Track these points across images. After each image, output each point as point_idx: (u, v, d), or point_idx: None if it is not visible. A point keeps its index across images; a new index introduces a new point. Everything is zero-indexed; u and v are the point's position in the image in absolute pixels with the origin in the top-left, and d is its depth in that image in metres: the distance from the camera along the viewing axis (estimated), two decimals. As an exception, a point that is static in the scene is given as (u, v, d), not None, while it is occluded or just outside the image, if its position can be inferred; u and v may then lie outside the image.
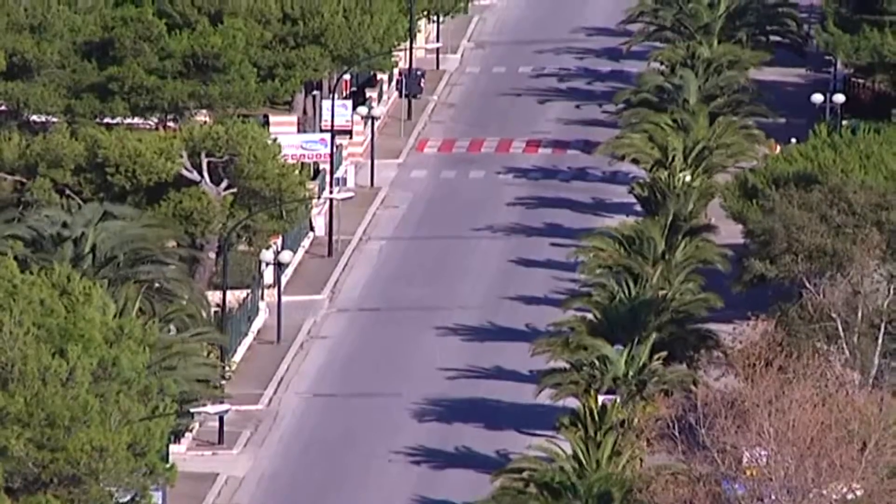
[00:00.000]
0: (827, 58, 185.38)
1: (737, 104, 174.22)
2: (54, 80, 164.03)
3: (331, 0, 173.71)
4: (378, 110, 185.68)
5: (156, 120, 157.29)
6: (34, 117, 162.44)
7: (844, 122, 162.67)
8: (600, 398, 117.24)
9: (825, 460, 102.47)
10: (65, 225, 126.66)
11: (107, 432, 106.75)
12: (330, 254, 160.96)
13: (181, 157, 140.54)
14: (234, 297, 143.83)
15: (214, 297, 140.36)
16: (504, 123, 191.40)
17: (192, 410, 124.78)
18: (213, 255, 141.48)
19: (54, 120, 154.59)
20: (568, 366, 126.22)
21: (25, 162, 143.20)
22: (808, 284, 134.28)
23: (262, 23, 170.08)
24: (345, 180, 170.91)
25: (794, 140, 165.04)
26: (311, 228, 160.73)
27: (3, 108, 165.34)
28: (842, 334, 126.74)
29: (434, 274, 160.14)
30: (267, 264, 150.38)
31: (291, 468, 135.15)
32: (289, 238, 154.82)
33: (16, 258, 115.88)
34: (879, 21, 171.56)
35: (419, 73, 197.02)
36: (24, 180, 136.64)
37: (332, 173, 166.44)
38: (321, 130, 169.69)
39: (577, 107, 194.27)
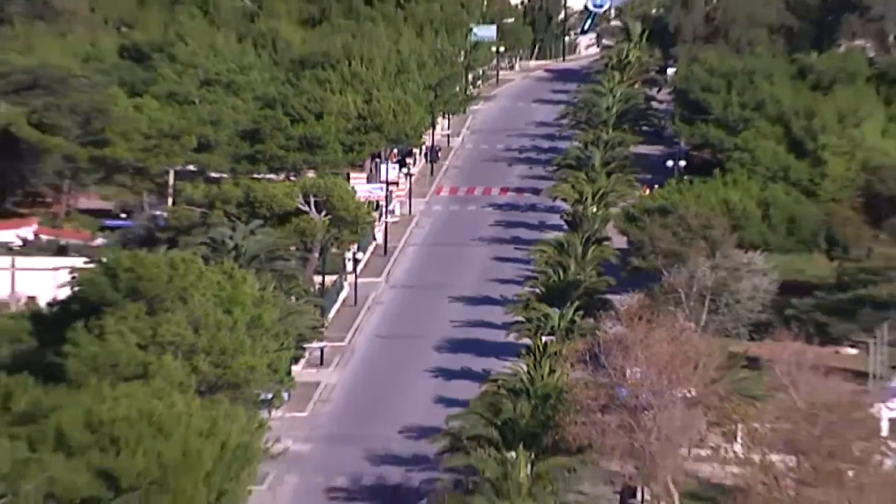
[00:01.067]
0: (675, 140, 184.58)
1: (622, 167, 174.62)
2: (224, 152, 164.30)
3: (385, 105, 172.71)
4: (413, 170, 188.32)
5: (283, 175, 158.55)
6: (212, 174, 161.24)
7: (685, 177, 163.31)
8: (544, 338, 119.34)
9: (674, 374, 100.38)
10: (230, 237, 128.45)
11: (255, 358, 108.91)
12: (385, 254, 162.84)
13: (298, 197, 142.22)
14: (329, 280, 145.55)
15: (317, 279, 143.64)
16: (487, 178, 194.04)
17: (304, 346, 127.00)
18: (316, 255, 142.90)
19: (224, 175, 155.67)
20: (525, 320, 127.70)
21: (207, 200, 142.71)
22: (664, 272, 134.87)
23: (346, 119, 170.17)
24: (393, 211, 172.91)
25: (656, 187, 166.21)
26: (374, 238, 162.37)
27: (194, 168, 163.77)
28: (683, 302, 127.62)
29: (445, 266, 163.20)
30: (348, 260, 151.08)
31: (362, 378, 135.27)
32: (361, 244, 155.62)
33: (202, 257, 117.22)
34: (705, 118, 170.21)
35: (437, 148, 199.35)
36: (207, 211, 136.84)
37: (386, 207, 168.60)
38: (380, 182, 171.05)
39: (530, 168, 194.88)
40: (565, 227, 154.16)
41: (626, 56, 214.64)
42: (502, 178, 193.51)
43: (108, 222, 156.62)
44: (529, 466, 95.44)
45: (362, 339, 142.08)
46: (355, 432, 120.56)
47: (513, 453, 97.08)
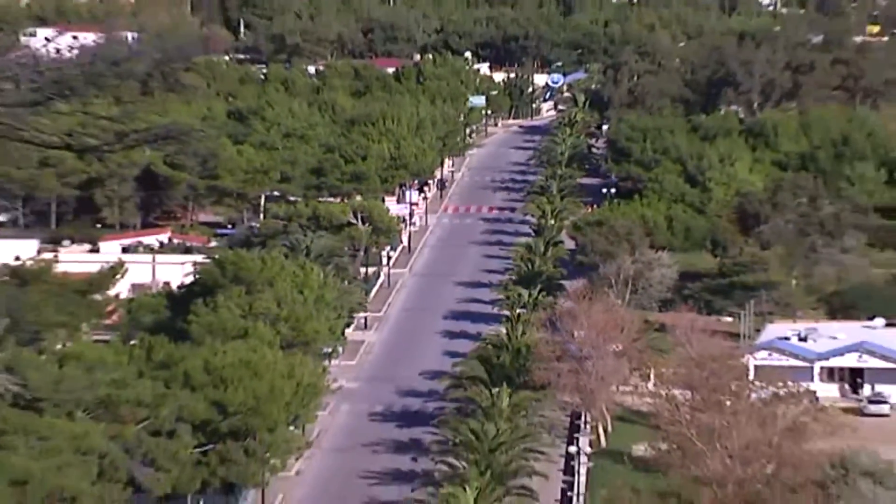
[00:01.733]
0: (608, 174, 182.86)
1: (571, 193, 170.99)
2: (298, 182, 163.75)
3: (408, 150, 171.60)
4: (428, 195, 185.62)
5: (339, 198, 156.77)
6: (290, 197, 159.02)
7: (614, 200, 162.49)
8: (518, 311, 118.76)
9: (607, 335, 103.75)
10: (302, 241, 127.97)
11: (319, 324, 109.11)
12: (409, 252, 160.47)
13: (349, 213, 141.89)
14: (370, 270, 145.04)
15: (362, 270, 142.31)
16: (479, 200, 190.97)
17: (353, 315, 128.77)
18: (361, 253, 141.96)
19: (298, 198, 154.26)
20: (505, 297, 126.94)
21: (287, 215, 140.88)
22: (600, 265, 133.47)
23: (382, 160, 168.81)
24: (415, 223, 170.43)
25: (594, 206, 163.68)
26: (401, 242, 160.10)
27: (278, 193, 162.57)
28: (613, 286, 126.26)
29: (450, 260, 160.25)
30: (384, 256, 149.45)
31: (393, 337, 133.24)
32: (392, 246, 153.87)
33: (283, 255, 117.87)
34: (628, 160, 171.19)
35: (444, 180, 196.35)
36: (286, 223, 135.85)
37: (409, 220, 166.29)
38: (405, 203, 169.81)
39: (508, 193, 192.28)
40: (532, 234, 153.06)
41: (574, 117, 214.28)
42: (489, 200, 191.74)
43: (219, 231, 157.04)
44: (508, 398, 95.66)
45: (393, 311, 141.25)
46: (388, 375, 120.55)
47: (497, 389, 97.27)
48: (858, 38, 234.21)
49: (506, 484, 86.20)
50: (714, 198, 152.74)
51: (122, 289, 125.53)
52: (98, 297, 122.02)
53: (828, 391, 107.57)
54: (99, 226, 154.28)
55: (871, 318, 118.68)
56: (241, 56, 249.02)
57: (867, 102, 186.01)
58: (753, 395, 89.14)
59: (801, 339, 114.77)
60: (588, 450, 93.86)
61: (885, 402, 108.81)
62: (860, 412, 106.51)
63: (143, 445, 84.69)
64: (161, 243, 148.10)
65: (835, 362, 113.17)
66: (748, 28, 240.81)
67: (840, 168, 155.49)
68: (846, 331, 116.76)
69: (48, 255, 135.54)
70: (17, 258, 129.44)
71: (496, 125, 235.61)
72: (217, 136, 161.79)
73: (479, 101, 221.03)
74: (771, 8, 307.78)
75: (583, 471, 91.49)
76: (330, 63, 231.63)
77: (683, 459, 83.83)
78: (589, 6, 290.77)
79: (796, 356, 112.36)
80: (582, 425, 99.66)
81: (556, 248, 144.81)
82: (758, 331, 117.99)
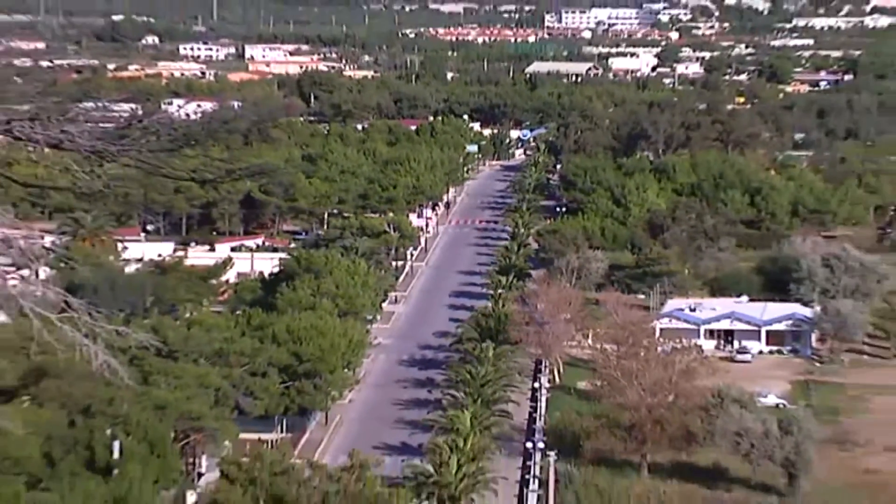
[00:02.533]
0: (560, 198, 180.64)
1: (536, 211, 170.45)
2: (350, 204, 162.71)
3: (425, 181, 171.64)
4: (438, 211, 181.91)
5: (378, 214, 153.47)
6: (344, 214, 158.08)
7: (565, 216, 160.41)
8: (499, 291, 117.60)
9: (559, 307, 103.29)
10: (352, 244, 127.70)
11: (364, 299, 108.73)
12: (425, 251, 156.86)
13: (385, 225, 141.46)
14: (399, 263, 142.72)
15: (394, 264, 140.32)
16: (472, 215, 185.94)
17: (387, 294, 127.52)
18: (393, 252, 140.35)
19: (350, 214, 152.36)
20: (491, 282, 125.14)
21: (342, 226, 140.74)
22: (555, 260, 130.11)
23: (407, 189, 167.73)
24: (429, 231, 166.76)
25: (552, 220, 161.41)
26: (420, 244, 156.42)
27: (336, 211, 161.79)
28: (564, 274, 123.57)
29: (454, 257, 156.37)
30: (408, 254, 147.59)
31: (415, 310, 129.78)
32: (414, 246, 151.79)
33: (339, 253, 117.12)
34: (574, 188, 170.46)
35: (448, 202, 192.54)
36: (342, 231, 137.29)
37: (426, 229, 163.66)
38: (423, 217, 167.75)
39: (493, 211, 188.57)
40: (509, 239, 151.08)
41: (538, 159, 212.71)
42: (480, 215, 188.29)
43: (297, 236, 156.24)
44: (493, 350, 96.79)
45: (414, 292, 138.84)
46: (411, 334, 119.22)
47: (485, 344, 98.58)
48: (730, 106, 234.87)
49: (491, 408, 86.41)
50: (632, 214, 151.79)
51: (230, 276, 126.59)
52: (214, 281, 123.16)
53: (709, 346, 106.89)
54: (215, 233, 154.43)
55: (739, 296, 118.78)
56: (311, 118, 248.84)
57: (736, 149, 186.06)
58: (659, 349, 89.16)
59: (691, 310, 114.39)
60: (547, 385, 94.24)
61: (747, 353, 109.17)
62: (731, 360, 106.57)
63: (245, 382, 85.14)
64: (257, 245, 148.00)
65: (714, 326, 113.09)
66: (655, 98, 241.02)
67: (717, 194, 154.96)
68: (721, 305, 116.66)
69: (180, 253, 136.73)
70: (159, 255, 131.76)
71: (485, 165, 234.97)
72: (294, 173, 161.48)
73: (473, 148, 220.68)
74: (671, 85, 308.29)
75: (543, 400, 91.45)
76: (372, 122, 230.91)
77: (611, 392, 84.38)
78: (548, 84, 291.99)
79: (688, 322, 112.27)
80: (543, 369, 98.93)
81: (525, 249, 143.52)
82: (662, 305, 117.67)
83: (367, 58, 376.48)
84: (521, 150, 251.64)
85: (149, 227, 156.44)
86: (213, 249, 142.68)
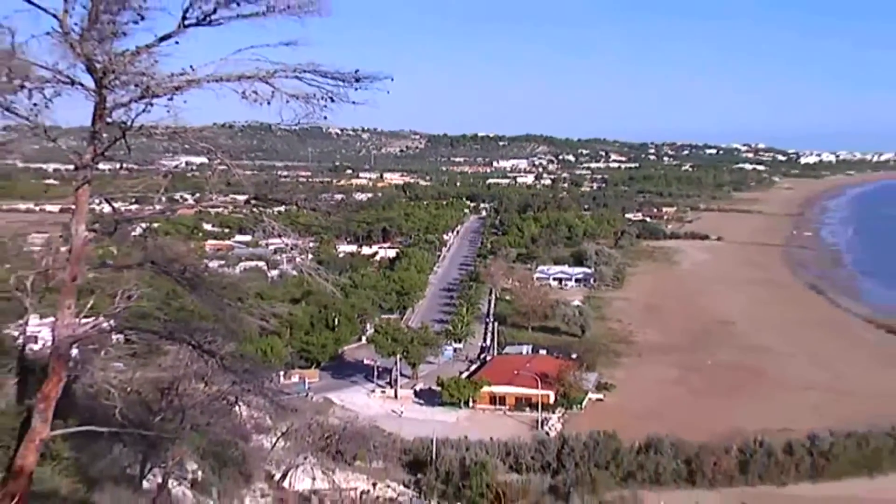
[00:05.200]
0: (500, 229, 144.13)
1: (491, 234, 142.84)
2: (418, 232, 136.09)
3: (450, 221, 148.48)
4: (453, 234, 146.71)
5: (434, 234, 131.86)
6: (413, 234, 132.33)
7: (501, 235, 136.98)
8: (478, 262, 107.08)
9: (500, 268, 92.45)
10: (421, 245, 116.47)
11: (425, 266, 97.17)
12: (447, 248, 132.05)
13: (434, 237, 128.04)
14: (438, 252, 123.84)
15: (437, 253, 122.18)
16: (467, 234, 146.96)
17: (434, 264, 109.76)
18: (438, 248, 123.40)
19: (422, 234, 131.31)
20: (477, 257, 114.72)
21: (416, 241, 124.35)
22: (498, 252, 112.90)
23: (438, 224, 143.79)
24: (449, 239, 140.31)
25: (496, 236, 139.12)
26: (446, 246, 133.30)
27: (416, 231, 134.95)
28: (501, 257, 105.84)
29: (460, 249, 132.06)
30: (443, 248, 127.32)
31: (444, 270, 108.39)
32: (445, 246, 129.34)
33: (418, 249, 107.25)
34: (503, 225, 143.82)
35: (458, 229, 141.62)
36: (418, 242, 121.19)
37: (449, 241, 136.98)
38: (450, 236, 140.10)
39: (474, 234, 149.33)
40: (480, 244, 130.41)
41: (491, 216, 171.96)
42: (469, 234, 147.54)
43: (402, 243, 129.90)
44: (474, 284, 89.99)
45: (445, 263, 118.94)
46: (444, 279, 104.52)
47: (471, 282, 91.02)
48: (561, 195, 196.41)
49: (473, 305, 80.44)
50: (524, 234, 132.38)
51: (378, 257, 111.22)
52: (371, 260, 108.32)
53: (554, 284, 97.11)
54: (370, 240, 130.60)
55: (565, 265, 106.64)
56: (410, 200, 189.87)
57: (561, 210, 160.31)
58: (536, 284, 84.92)
59: (547, 271, 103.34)
60: (494, 297, 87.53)
61: (568, 287, 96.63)
62: (562, 289, 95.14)
63: (384, 297, 76.41)
64: (388, 246, 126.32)
65: (555, 276, 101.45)
66: (533, 191, 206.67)
67: (556, 227, 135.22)
68: (558, 269, 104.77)
69: (358, 249, 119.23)
70: (352, 251, 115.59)
71: (469, 219, 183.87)
72: (399, 219, 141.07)
73: (468, 213, 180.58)
74: (539, 186, 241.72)
75: (493, 302, 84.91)
76: (428, 201, 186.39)
77: (519, 299, 78.90)
78: (493, 186, 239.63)
79: (545, 275, 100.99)
80: (492, 291, 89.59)
81: (487, 248, 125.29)
82: (536, 269, 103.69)
83: (427, 178, 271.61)
84: (484, 212, 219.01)
85: (347, 239, 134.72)
86: (370, 247, 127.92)
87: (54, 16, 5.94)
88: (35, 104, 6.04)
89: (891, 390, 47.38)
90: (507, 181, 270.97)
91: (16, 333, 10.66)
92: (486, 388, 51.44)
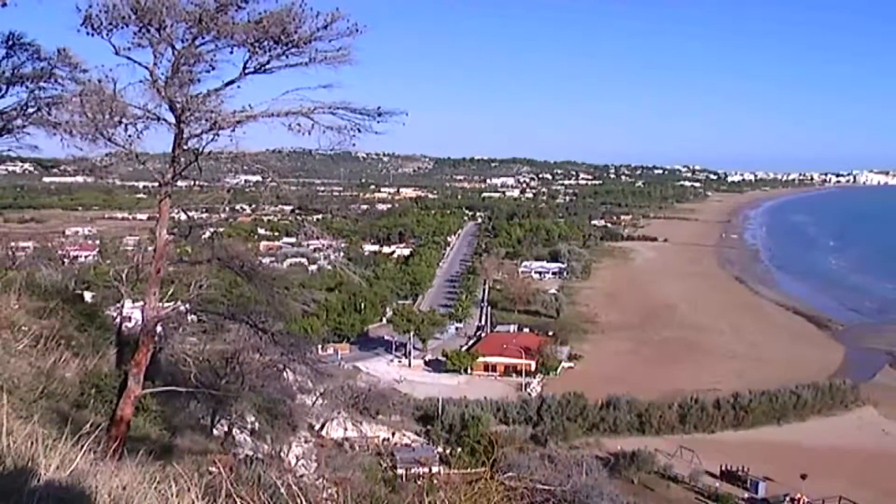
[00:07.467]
0: (492, 232, 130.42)
1: (484, 236, 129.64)
2: (427, 234, 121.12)
3: (453, 227, 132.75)
4: (455, 235, 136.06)
5: (441, 237, 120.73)
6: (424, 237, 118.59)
7: (493, 237, 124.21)
8: (474, 259, 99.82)
9: (493, 263, 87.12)
10: (431, 245, 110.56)
11: (433, 261, 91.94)
12: (451, 247, 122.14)
13: (442, 238, 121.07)
14: (444, 251, 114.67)
15: (443, 252, 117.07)
16: (466, 237, 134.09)
17: (441, 259, 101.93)
18: (444, 246, 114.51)
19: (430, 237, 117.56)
20: (474, 253, 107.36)
21: (426, 241, 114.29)
22: (490, 250, 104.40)
23: (444, 228, 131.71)
24: (452, 240, 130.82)
25: (489, 238, 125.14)
26: (450, 244, 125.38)
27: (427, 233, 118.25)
28: (492, 254, 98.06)
29: (461, 248, 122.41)
30: (448, 247, 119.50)
31: (448, 265, 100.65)
32: (450, 245, 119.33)
33: (428, 247, 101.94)
34: (495, 229, 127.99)
35: (459, 232, 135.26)
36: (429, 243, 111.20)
37: (452, 241, 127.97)
38: (454, 238, 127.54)
39: (474, 236, 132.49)
40: (477, 244, 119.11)
41: (484, 222, 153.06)
42: (468, 236, 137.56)
43: (414, 242, 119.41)
44: (471, 276, 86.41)
45: (448, 259, 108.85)
46: (448, 272, 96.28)
47: (470, 274, 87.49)
48: (542, 205, 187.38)
49: (471, 292, 76.30)
50: (512, 236, 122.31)
51: (395, 254, 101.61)
52: (390, 257, 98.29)
53: (536, 276, 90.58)
54: (389, 240, 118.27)
55: (544, 261, 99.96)
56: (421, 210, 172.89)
57: (541, 217, 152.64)
58: (521, 276, 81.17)
59: (528, 266, 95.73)
60: (488, 286, 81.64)
61: (546, 278, 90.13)
62: (541, 279, 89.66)
63: (400, 286, 73.29)
64: (403, 245, 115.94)
65: (536, 270, 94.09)
66: (520, 203, 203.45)
67: (537, 231, 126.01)
68: (538, 264, 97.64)
69: (379, 248, 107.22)
70: (374, 249, 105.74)
71: (468, 224, 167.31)
72: (412, 225, 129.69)
73: (467, 220, 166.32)
74: (522, 198, 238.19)
75: (487, 290, 79.77)
76: (434, 210, 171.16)
77: (508, 288, 75.30)
78: (487, 199, 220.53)
79: (528, 269, 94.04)
80: (486, 281, 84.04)
81: (482, 246, 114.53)
82: (521, 264, 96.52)
83: (435, 192, 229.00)
84: (479, 219, 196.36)
85: (370, 240, 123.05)
86: (389, 247, 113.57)
87: (146, 68, 6.38)
88: (129, 136, 6.48)
89: (795, 359, 50.83)
90: (497, 195, 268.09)
91: (114, 314, 11.33)
92: (481, 359, 52.62)
